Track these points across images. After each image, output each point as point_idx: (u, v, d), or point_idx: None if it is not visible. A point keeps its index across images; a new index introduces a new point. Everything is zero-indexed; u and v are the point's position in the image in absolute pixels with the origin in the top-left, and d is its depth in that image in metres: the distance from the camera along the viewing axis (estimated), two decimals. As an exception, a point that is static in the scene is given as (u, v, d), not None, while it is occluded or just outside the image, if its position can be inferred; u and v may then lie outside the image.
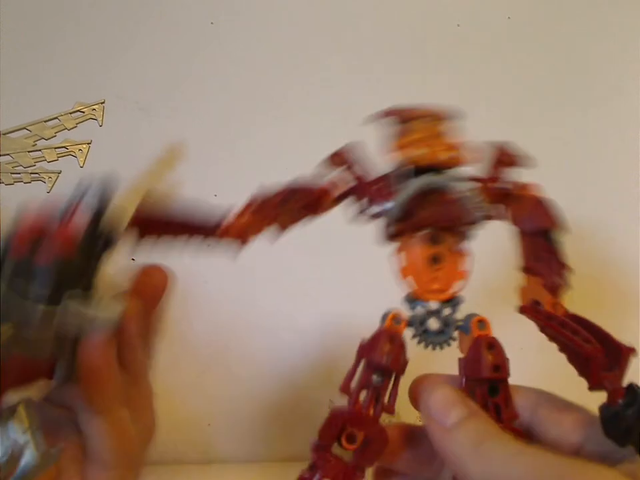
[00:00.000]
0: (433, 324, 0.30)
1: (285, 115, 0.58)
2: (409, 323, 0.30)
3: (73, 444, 0.27)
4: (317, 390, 0.55)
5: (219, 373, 0.55)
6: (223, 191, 0.52)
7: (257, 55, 0.59)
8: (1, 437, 0.24)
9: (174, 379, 0.53)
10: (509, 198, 0.32)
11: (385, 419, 0.29)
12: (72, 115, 0.56)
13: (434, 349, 0.30)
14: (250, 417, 0.55)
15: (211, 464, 0.55)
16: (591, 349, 0.27)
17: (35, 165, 0.55)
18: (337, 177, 0.31)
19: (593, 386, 0.28)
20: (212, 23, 0.59)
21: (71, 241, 0.25)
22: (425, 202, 0.30)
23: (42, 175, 0.55)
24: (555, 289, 0.29)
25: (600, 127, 0.62)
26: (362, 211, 0.32)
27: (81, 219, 0.26)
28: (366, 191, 0.31)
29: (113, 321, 0.26)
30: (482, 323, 0.29)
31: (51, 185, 0.55)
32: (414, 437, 0.32)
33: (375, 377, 0.28)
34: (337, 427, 0.28)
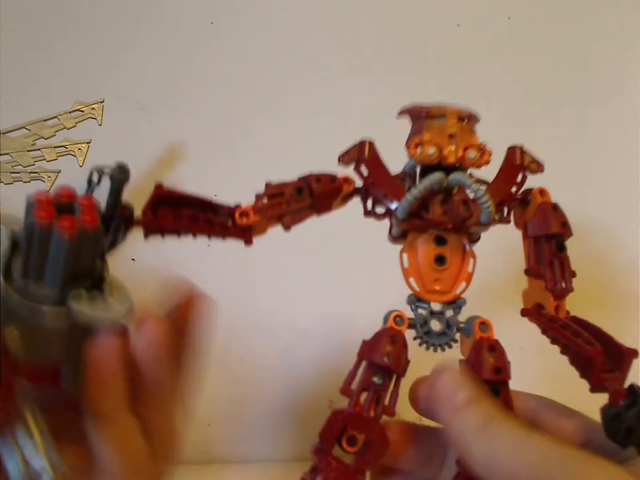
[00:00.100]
0: (436, 325, 0.30)
1: (285, 114, 0.58)
2: (411, 324, 0.30)
3: (82, 451, 0.27)
4: (317, 390, 0.54)
5: (218, 373, 0.55)
6: (223, 191, 0.52)
7: (257, 55, 0.59)
8: (11, 447, 0.24)
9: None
10: (517, 201, 0.32)
11: (384, 419, 0.29)
12: (71, 114, 0.56)
13: (435, 350, 0.30)
14: (250, 417, 0.55)
15: (211, 464, 0.55)
16: (592, 351, 0.27)
17: (34, 164, 0.55)
18: (346, 174, 0.31)
19: (595, 387, 0.28)
20: (212, 23, 0.59)
21: (95, 210, 0.24)
22: (434, 201, 0.30)
23: (41, 174, 0.55)
24: (558, 293, 0.29)
25: (600, 127, 0.62)
26: (370, 210, 0.32)
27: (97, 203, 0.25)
28: (374, 189, 0.31)
29: (118, 322, 0.26)
30: (484, 325, 0.29)
31: (50, 184, 0.55)
32: (414, 435, 0.31)
33: (376, 379, 0.28)
34: (337, 429, 0.28)
